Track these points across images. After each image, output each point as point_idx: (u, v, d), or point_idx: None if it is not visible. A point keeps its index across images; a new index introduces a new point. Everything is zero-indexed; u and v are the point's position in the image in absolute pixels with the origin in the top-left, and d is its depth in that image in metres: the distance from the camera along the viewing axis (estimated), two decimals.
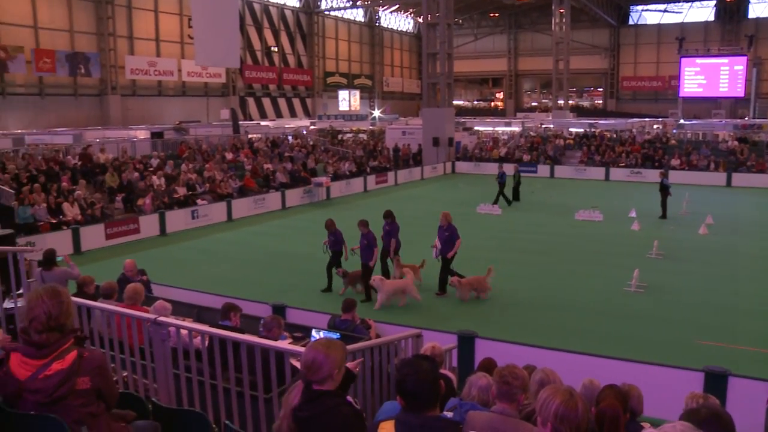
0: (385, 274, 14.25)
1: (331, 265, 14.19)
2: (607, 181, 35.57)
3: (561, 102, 62.38)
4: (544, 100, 79.33)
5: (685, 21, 67.19)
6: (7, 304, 6.55)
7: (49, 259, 9.93)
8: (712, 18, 66.05)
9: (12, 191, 19.19)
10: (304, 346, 5.53)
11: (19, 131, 34.25)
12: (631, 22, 71.33)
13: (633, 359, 8.39)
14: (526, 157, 38.97)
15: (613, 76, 72.10)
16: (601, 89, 75.34)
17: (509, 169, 28.64)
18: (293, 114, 61.47)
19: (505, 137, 46.54)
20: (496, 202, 25.77)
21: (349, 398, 3.37)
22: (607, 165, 36.57)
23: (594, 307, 13.06)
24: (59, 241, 16.52)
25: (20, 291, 6.57)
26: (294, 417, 3.23)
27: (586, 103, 77.61)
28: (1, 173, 20.73)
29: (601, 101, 75.59)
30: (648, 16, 70.10)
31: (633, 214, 22.54)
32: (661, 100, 67.96)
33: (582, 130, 45.23)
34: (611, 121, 53.23)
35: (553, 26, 62.02)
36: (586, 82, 77.31)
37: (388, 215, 14.41)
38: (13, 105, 38.25)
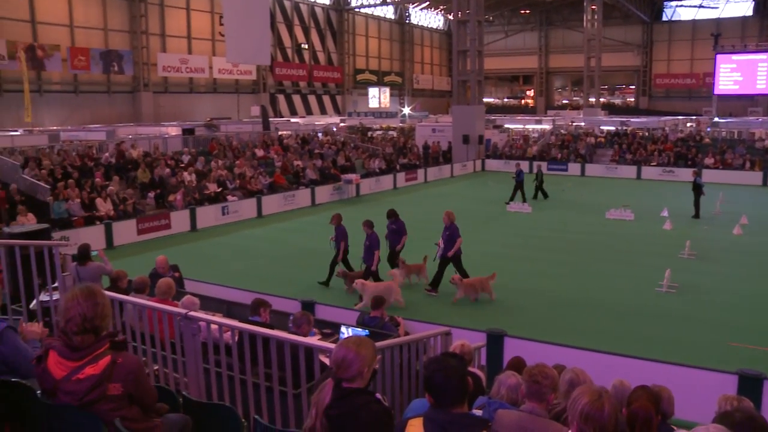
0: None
1: (334, 260, 14.16)
2: (638, 179, 35.07)
3: (592, 100, 61.60)
4: (575, 98, 78.51)
5: (721, 16, 65.71)
6: (43, 297, 6.71)
7: (83, 254, 10.03)
8: (750, 13, 64.48)
9: (48, 187, 19.62)
10: (333, 342, 5.57)
11: (55, 128, 34.90)
12: (664, 18, 70.01)
13: (664, 360, 8.28)
14: (557, 155, 38.68)
15: (645, 73, 70.92)
16: (634, 87, 74.14)
17: (533, 168, 28.40)
18: (323, 111, 61.71)
19: (536, 135, 46.19)
20: (524, 199, 25.71)
21: (378, 395, 3.38)
22: (638, 163, 36.06)
23: (624, 307, 12.89)
24: (92, 236, 16.80)
25: (55, 284, 6.71)
26: (325, 415, 3.25)
27: (617, 101, 76.59)
28: (37, 169, 21.18)
29: (633, 99, 74.42)
30: (682, 12, 68.73)
31: (665, 214, 22.21)
32: (695, 97, 66.62)
33: (613, 128, 44.62)
34: (643, 119, 52.35)
35: (584, 23, 61.27)
36: (618, 80, 76.25)
37: (392, 215, 14.31)
38: (49, 102, 39.01)
